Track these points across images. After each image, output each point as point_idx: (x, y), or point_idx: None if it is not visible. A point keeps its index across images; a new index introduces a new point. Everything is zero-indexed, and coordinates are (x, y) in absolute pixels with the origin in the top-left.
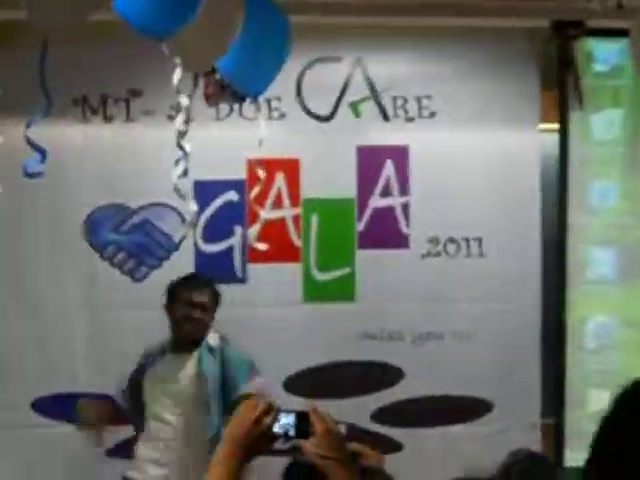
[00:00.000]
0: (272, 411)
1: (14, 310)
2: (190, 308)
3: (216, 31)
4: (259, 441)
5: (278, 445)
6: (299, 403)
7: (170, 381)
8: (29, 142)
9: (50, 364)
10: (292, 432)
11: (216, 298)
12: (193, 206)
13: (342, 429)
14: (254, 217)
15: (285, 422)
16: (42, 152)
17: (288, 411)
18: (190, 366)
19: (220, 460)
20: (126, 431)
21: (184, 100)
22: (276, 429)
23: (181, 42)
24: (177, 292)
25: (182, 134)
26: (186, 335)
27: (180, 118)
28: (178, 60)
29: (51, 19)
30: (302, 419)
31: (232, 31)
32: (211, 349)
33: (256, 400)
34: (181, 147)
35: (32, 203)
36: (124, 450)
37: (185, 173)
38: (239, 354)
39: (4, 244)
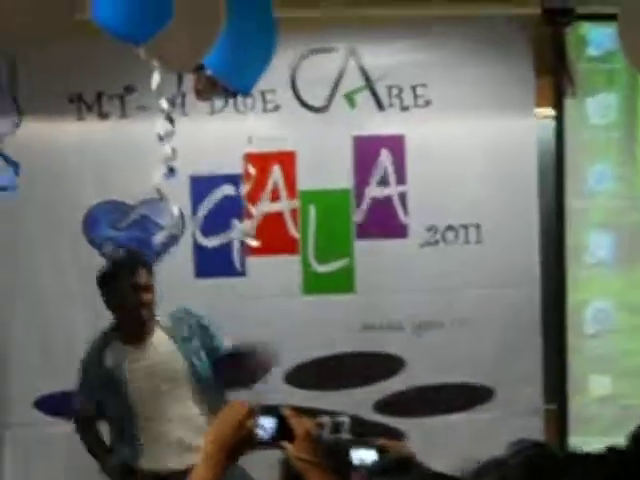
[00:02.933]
0: (255, 414)
1: (17, 308)
2: (141, 291)
3: (195, 30)
4: (242, 444)
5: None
6: (300, 395)
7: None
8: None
9: (53, 362)
10: (274, 435)
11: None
12: (175, 210)
13: (346, 420)
14: (251, 211)
15: (267, 425)
16: (15, 165)
17: (269, 413)
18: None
19: (204, 462)
20: None
21: (164, 103)
22: (259, 432)
23: (159, 44)
24: (119, 276)
25: (164, 136)
26: (143, 321)
27: (161, 122)
28: (156, 63)
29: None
30: (283, 422)
31: (213, 29)
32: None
33: (240, 403)
34: (166, 149)
35: (31, 201)
36: None
37: (171, 173)
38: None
39: (4, 244)
